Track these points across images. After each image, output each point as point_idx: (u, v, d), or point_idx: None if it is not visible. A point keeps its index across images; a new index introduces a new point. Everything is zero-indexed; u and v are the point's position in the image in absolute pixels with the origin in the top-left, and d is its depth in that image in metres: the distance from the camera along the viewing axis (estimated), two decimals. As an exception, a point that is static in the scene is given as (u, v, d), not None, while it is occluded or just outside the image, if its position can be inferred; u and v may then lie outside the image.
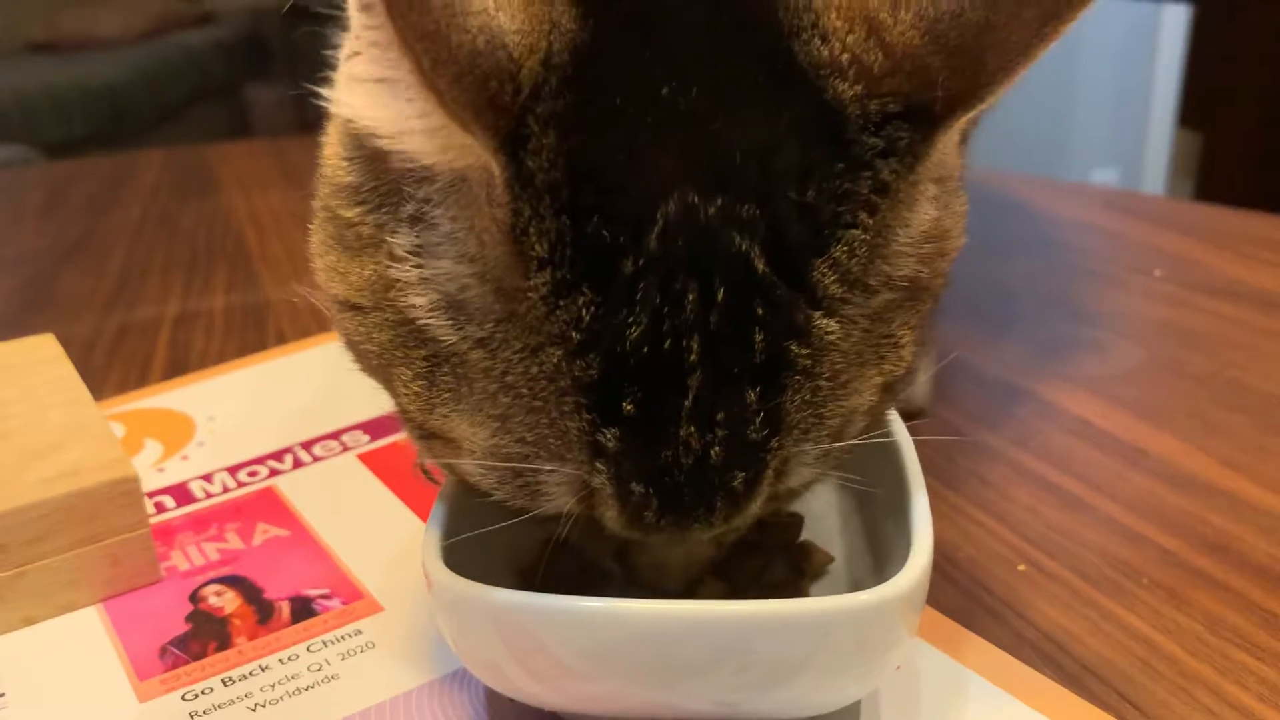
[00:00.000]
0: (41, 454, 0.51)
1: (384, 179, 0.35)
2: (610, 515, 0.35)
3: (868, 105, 0.33)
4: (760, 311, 0.33)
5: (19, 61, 3.37)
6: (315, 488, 0.59)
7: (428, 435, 0.38)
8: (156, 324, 0.84)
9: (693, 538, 0.36)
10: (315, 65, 0.38)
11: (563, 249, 0.32)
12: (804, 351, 0.34)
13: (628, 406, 0.33)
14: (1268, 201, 1.02)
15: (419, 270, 0.35)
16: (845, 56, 0.33)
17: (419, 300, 0.35)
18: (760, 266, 0.33)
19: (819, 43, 0.34)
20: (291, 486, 0.59)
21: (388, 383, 0.38)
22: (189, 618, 0.49)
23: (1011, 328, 0.76)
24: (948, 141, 0.35)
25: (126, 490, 0.50)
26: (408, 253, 0.35)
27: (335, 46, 0.36)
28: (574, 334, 0.33)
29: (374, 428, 0.64)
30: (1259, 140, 1.94)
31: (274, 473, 0.60)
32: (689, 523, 0.35)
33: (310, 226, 0.39)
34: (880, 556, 0.45)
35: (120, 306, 0.88)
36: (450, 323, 0.35)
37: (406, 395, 0.37)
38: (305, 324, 0.81)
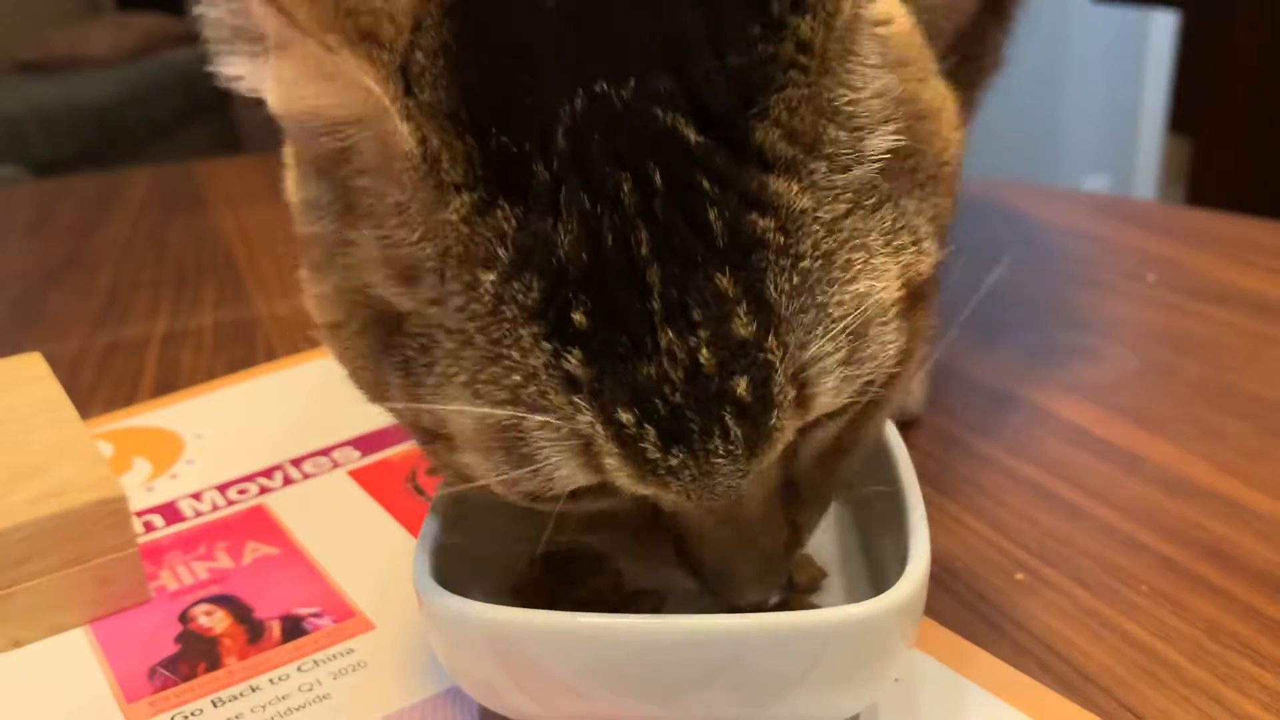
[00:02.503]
0: (28, 474, 0.50)
1: (335, 187, 0.35)
2: (611, 463, 0.32)
3: None
4: (706, 185, 0.31)
5: (8, 81, 3.37)
6: (305, 505, 0.58)
7: (429, 438, 0.36)
8: (145, 342, 0.83)
9: (725, 485, 0.32)
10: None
11: (474, 170, 0.31)
12: (769, 224, 0.32)
13: (579, 318, 0.31)
14: (1258, 206, 1.02)
15: (371, 252, 0.34)
16: None
17: (374, 278, 0.35)
18: (693, 137, 0.31)
19: None
20: (281, 504, 0.58)
21: (384, 395, 0.37)
22: (178, 638, 0.48)
23: (1005, 335, 0.75)
24: (874, 19, 0.34)
25: (114, 510, 0.49)
26: (360, 240, 0.35)
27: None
28: (501, 252, 0.31)
29: (365, 444, 0.63)
30: (1249, 145, 1.94)
31: (264, 490, 0.60)
32: (705, 455, 0.32)
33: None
34: (877, 568, 0.44)
35: (108, 324, 0.88)
36: (405, 291, 0.34)
37: (397, 396, 0.36)
38: (294, 340, 0.80)
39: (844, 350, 0.33)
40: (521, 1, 0.33)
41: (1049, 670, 0.44)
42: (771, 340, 0.31)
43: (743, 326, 0.31)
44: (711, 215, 0.31)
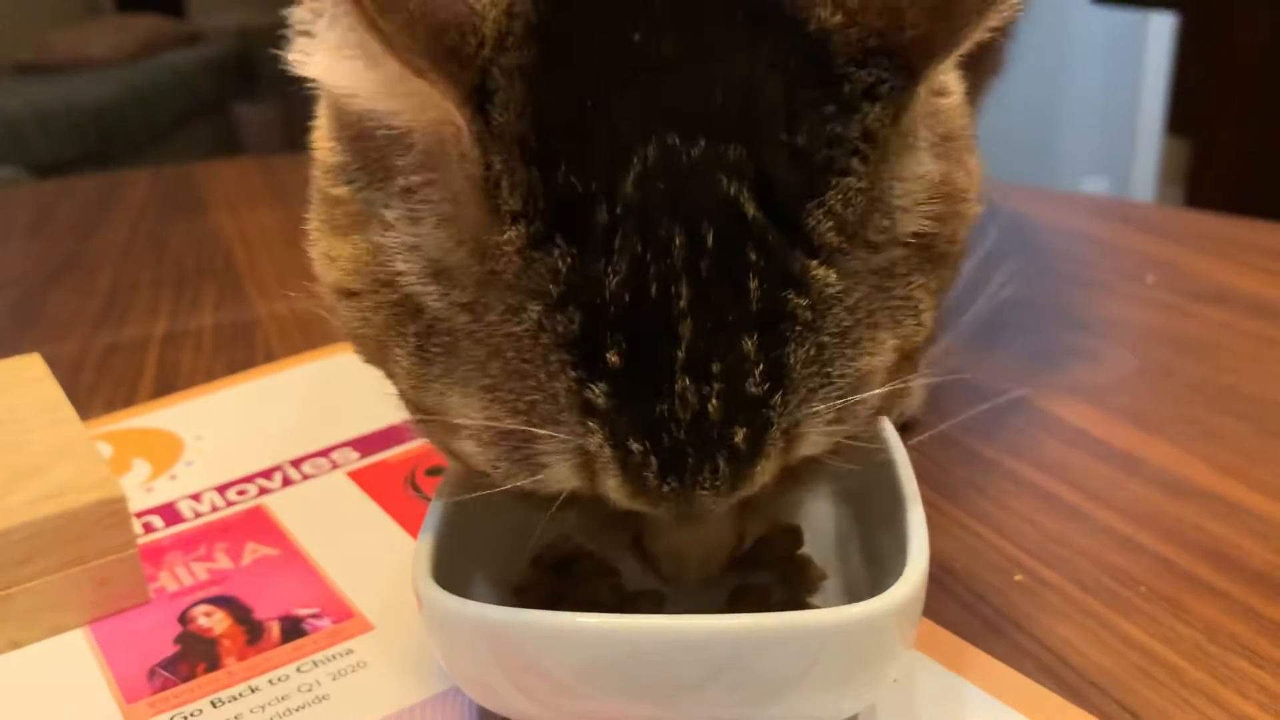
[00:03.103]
0: (27, 475, 0.50)
1: (371, 156, 0.35)
2: (611, 483, 0.34)
3: (849, 35, 0.33)
4: (754, 258, 0.32)
5: (7, 82, 3.37)
6: (305, 506, 0.58)
7: (426, 418, 0.37)
8: (144, 343, 0.83)
9: (702, 509, 0.34)
10: (303, 84, 0.38)
11: (534, 202, 0.32)
12: (803, 302, 0.33)
13: (612, 358, 0.32)
14: (1257, 207, 1.03)
15: (405, 239, 0.34)
16: None
17: (406, 268, 0.35)
18: (751, 211, 0.32)
19: None
20: (281, 505, 0.58)
21: (385, 367, 0.38)
22: (178, 639, 0.48)
23: (1004, 337, 0.75)
24: (933, 91, 0.35)
25: (114, 511, 0.49)
26: (395, 221, 0.35)
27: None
28: (551, 288, 0.32)
29: (364, 445, 0.63)
30: (1247, 146, 1.94)
31: (263, 491, 0.60)
32: (693, 486, 0.33)
33: (307, 217, 0.39)
34: (877, 569, 0.44)
35: (108, 325, 0.88)
36: (436, 289, 0.34)
37: (402, 375, 0.36)
38: (294, 341, 0.80)
39: (835, 412, 0.34)
40: (609, 32, 0.33)
41: (1048, 671, 0.44)
42: (777, 400, 0.33)
43: (755, 386, 0.32)
44: (752, 285, 0.32)
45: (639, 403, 0.32)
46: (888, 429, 0.45)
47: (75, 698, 0.45)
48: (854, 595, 0.45)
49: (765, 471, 0.34)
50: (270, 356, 0.78)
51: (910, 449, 0.44)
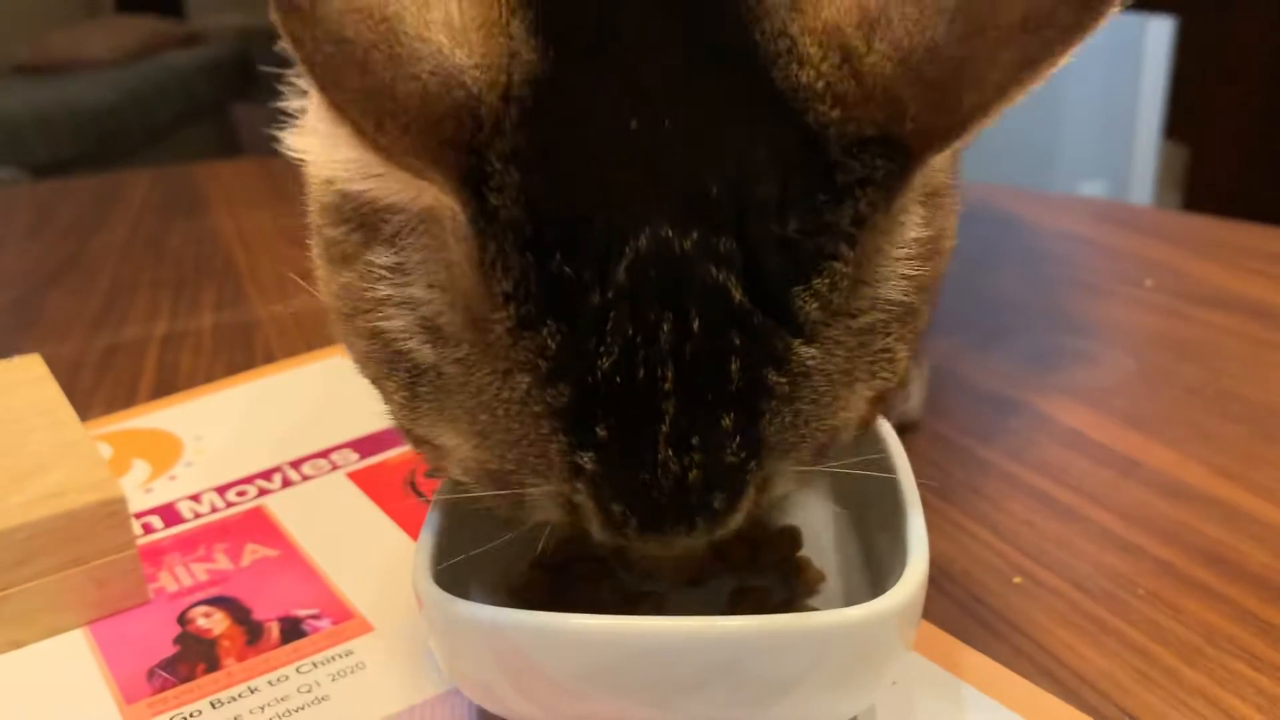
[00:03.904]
0: (27, 475, 0.50)
1: (364, 212, 0.35)
2: (594, 528, 0.36)
3: (846, 129, 0.33)
4: (737, 341, 0.33)
5: (6, 83, 3.37)
6: (304, 507, 0.58)
7: (419, 444, 0.38)
8: (144, 343, 0.83)
9: (678, 545, 0.36)
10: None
11: (527, 285, 0.32)
12: (782, 379, 0.34)
13: (601, 432, 0.33)
14: (1254, 211, 1.03)
15: (396, 290, 0.35)
16: (821, 83, 0.33)
17: (396, 323, 0.35)
18: (738, 297, 0.33)
19: (796, 67, 0.33)
20: (280, 506, 0.58)
21: (379, 387, 0.38)
22: (177, 640, 0.48)
23: (1003, 340, 0.76)
24: (925, 174, 0.35)
25: (113, 511, 0.49)
26: (385, 270, 0.35)
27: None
28: (541, 363, 0.33)
29: (363, 446, 0.63)
30: (1245, 151, 1.95)
31: (263, 492, 0.60)
32: (671, 536, 0.35)
33: (307, 223, 0.40)
34: (876, 571, 0.44)
35: (108, 326, 0.88)
36: (428, 344, 0.35)
37: (395, 405, 0.37)
38: (294, 343, 0.80)
39: (809, 461, 0.36)
40: (606, 119, 0.33)
41: (1046, 673, 0.44)
42: (753, 465, 0.34)
43: (732, 455, 0.34)
44: (733, 366, 0.33)
45: (624, 470, 0.34)
46: (887, 430, 0.45)
47: (74, 698, 0.45)
48: (853, 597, 0.45)
49: (738, 520, 0.35)
50: (270, 357, 0.78)
51: (910, 452, 0.44)
